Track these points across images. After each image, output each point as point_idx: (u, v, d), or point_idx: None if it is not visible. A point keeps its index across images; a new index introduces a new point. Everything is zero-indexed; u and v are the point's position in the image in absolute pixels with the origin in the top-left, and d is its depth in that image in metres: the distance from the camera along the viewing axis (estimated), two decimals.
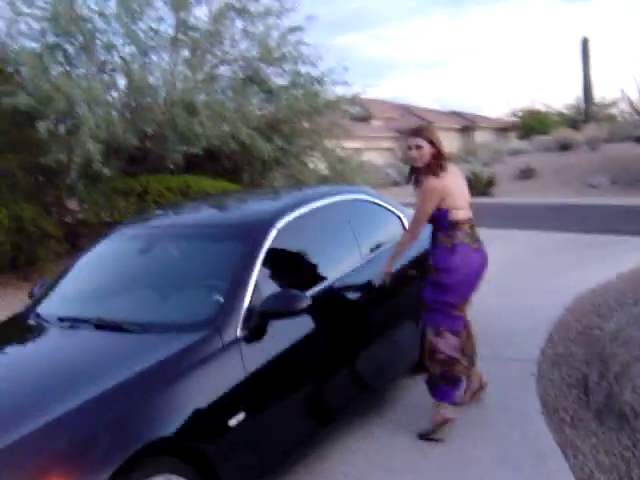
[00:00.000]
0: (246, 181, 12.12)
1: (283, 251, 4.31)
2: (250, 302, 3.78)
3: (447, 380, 4.56)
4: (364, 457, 4.29)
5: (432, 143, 4.53)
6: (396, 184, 27.22)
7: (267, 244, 4.10)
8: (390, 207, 5.54)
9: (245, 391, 3.56)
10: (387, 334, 4.94)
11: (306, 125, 11.93)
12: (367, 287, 4.73)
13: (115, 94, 10.17)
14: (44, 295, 4.63)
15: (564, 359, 5.45)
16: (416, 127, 4.76)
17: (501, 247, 11.26)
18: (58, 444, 2.89)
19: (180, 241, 4.50)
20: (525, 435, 4.36)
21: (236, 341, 3.62)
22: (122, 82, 10.45)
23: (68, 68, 9.96)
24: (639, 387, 4.11)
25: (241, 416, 3.49)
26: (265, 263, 4.03)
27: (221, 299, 3.78)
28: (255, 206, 5.16)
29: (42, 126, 8.89)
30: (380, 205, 5.46)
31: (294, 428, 3.97)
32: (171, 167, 10.98)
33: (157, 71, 10.49)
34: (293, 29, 12.28)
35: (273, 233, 4.19)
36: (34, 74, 9.16)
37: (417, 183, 4.66)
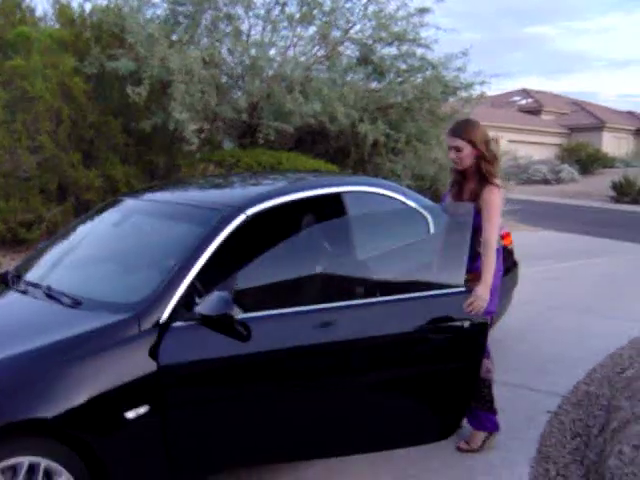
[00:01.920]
0: (352, 164, 11.80)
1: (254, 245, 3.76)
2: (187, 292, 3.49)
3: (483, 405, 4.12)
4: None
5: (473, 144, 4.02)
6: (546, 182, 25.86)
7: (228, 231, 3.75)
8: (416, 206, 4.98)
9: (154, 384, 3.30)
10: (373, 392, 3.69)
11: (418, 111, 11.37)
12: (355, 318, 3.62)
13: (215, 66, 10.05)
14: (31, 257, 4.61)
15: (589, 400, 4.77)
16: (455, 125, 4.25)
17: (612, 263, 10.41)
18: None
19: (150, 218, 4.31)
20: None
21: (155, 331, 3.35)
22: (224, 54, 10.36)
23: (176, 38, 9.96)
24: (625, 454, 3.44)
25: (143, 409, 3.26)
26: (225, 254, 3.71)
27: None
28: (241, 188, 4.84)
29: (135, 91, 9.02)
30: (401, 202, 4.88)
31: (209, 440, 3.47)
32: (272, 141, 10.90)
33: (259, 46, 10.31)
34: (421, 10, 11.75)
35: (239, 220, 3.83)
36: (137, 40, 9.29)
37: (461, 190, 4.20)
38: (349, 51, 11.45)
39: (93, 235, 4.45)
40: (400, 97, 10.85)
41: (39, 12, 11.10)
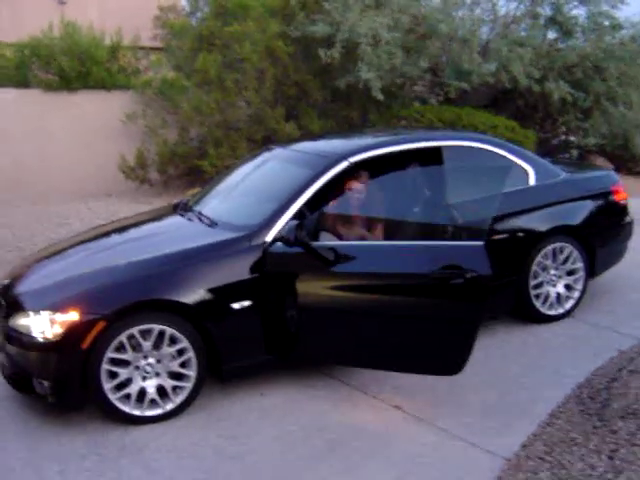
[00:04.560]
0: (539, 122, 12.13)
1: (352, 187, 4.85)
2: (290, 221, 4.53)
3: None
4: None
5: None
6: None
7: (331, 175, 4.77)
8: (517, 160, 5.62)
9: (256, 286, 4.42)
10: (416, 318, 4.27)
11: (607, 71, 11.36)
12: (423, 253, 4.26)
13: (401, 30, 10.77)
14: (198, 192, 5.98)
15: None
16: None
17: None
18: (89, 285, 4.22)
19: (280, 162, 5.44)
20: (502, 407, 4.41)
21: (262, 247, 4.45)
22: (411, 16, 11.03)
23: (369, 3, 10.82)
24: (622, 378, 3.97)
25: (247, 303, 4.40)
26: (327, 193, 4.74)
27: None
28: (354, 140, 5.75)
29: (328, 53, 10.15)
30: (502, 156, 5.54)
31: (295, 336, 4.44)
32: (466, 98, 11.56)
33: (441, 8, 10.89)
34: None
35: (342, 166, 4.83)
36: (334, 6, 10.37)
37: None
38: (540, 10, 11.61)
39: (240, 175, 5.67)
40: (584, 57, 10.97)
41: None
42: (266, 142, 10.75)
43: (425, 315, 4.25)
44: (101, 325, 4.04)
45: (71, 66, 11.51)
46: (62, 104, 11.67)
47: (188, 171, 11.16)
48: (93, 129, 11.64)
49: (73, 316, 4.04)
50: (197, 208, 5.32)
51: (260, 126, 10.85)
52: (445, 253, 4.21)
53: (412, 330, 4.28)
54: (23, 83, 11.85)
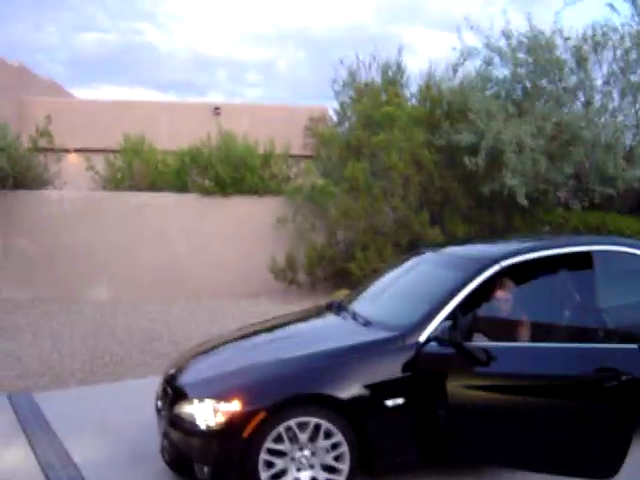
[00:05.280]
0: None
1: (503, 290, 4.96)
2: (443, 321, 4.65)
3: None
4: None
5: None
6: None
7: (482, 278, 4.87)
8: None
9: (409, 384, 4.50)
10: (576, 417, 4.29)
11: None
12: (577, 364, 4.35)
13: (544, 137, 10.86)
14: (351, 293, 6.22)
15: None
16: None
17: None
18: (251, 378, 4.48)
19: (430, 265, 5.59)
20: None
21: (415, 346, 4.55)
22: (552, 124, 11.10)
23: (510, 111, 11.04)
24: None
25: (400, 401, 4.48)
26: (479, 295, 4.83)
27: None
28: (505, 244, 5.79)
29: (472, 160, 10.38)
30: None
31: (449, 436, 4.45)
32: (610, 203, 11.42)
33: (584, 115, 10.92)
34: None
35: (493, 269, 4.90)
36: (478, 116, 10.67)
37: None
38: None
39: (392, 277, 5.87)
40: None
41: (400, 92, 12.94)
42: (411, 246, 11.01)
43: (578, 417, 4.24)
44: (261, 416, 4.23)
45: (227, 173, 12.31)
46: (217, 208, 12.45)
47: (335, 273, 11.53)
48: (245, 232, 12.31)
49: (235, 406, 4.26)
50: (351, 308, 5.54)
51: (405, 231, 11.13)
52: (599, 356, 4.26)
53: (565, 432, 4.26)
54: (182, 188, 12.75)
